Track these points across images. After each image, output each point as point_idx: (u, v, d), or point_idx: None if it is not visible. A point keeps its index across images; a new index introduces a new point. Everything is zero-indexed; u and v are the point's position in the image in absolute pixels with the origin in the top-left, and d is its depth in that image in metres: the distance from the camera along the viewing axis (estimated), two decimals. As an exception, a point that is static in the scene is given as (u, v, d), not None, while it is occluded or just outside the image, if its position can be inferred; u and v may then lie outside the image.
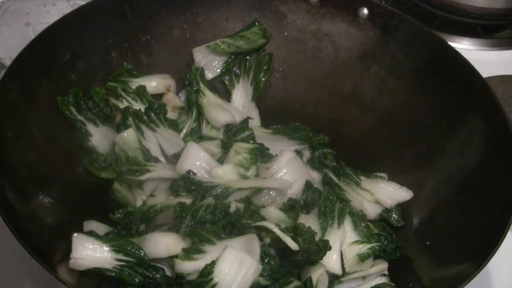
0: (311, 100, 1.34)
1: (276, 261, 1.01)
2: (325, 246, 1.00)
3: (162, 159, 1.18)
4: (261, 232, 1.04)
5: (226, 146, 1.19)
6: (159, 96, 1.29)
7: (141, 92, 1.25)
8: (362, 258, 1.08)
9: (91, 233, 0.99)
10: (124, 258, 0.97)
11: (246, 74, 1.32)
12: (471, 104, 1.15)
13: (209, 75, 1.31)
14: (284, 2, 1.31)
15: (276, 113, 1.34)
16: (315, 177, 1.20)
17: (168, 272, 1.01)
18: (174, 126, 1.21)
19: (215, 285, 0.93)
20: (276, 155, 1.16)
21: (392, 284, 1.08)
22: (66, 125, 1.16)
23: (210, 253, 0.98)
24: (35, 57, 1.11)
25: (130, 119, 1.15)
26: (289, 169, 1.12)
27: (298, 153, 1.23)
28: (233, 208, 1.04)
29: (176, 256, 0.98)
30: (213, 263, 0.94)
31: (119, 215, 1.07)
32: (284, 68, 1.35)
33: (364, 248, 1.10)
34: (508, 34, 1.71)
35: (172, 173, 1.12)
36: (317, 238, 1.03)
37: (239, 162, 1.14)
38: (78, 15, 1.20)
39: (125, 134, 1.14)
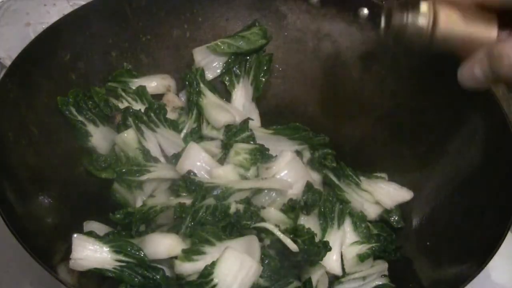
0: (311, 100, 1.34)
1: (276, 262, 1.01)
2: (325, 247, 1.00)
3: (162, 159, 1.18)
4: (261, 233, 1.04)
5: (226, 147, 1.19)
6: (159, 96, 1.29)
7: (141, 93, 1.25)
8: (362, 258, 1.08)
9: (91, 234, 0.99)
10: (124, 258, 0.97)
11: (246, 74, 1.32)
12: (471, 104, 1.14)
13: (209, 76, 1.31)
14: (284, 2, 1.31)
15: (276, 113, 1.34)
16: (315, 177, 1.20)
17: (168, 273, 1.01)
18: (174, 126, 1.21)
19: (215, 286, 0.93)
20: (276, 155, 1.16)
21: (393, 284, 1.08)
22: (66, 125, 1.16)
23: (210, 254, 0.98)
24: (35, 57, 1.11)
25: (130, 119, 1.15)
26: (290, 170, 1.12)
27: (298, 153, 1.23)
28: (233, 209, 1.04)
29: (176, 257, 0.98)
30: (213, 264, 0.94)
31: (119, 216, 1.07)
32: (284, 68, 1.35)
33: (364, 248, 1.10)
34: (508, 34, 1.71)
35: (172, 173, 1.12)
36: (317, 239, 1.03)
37: (239, 163, 1.14)
38: (78, 15, 1.19)
39: (125, 135, 1.15)
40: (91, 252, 0.96)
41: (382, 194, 1.17)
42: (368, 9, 1.26)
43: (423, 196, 1.17)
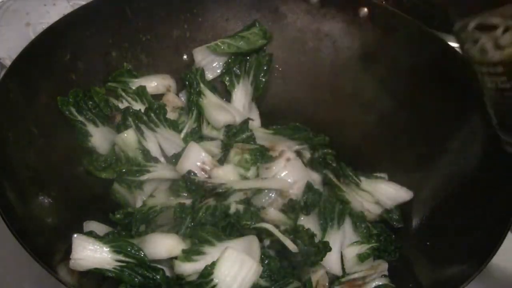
0: (311, 100, 1.34)
1: (276, 262, 1.01)
2: (325, 248, 1.00)
3: (162, 159, 1.18)
4: (261, 233, 1.04)
5: (226, 147, 1.19)
6: (159, 96, 1.29)
7: (141, 93, 1.25)
8: (361, 258, 1.08)
9: (91, 234, 0.99)
10: (124, 259, 0.97)
11: (246, 74, 1.32)
12: (471, 104, 1.14)
13: (209, 76, 1.31)
14: (284, 2, 1.31)
15: (276, 113, 1.34)
16: (315, 178, 1.20)
17: (168, 273, 1.01)
18: (174, 126, 1.21)
19: (215, 286, 0.93)
20: (276, 155, 1.16)
21: (392, 285, 1.08)
22: (66, 126, 1.16)
23: (210, 254, 0.98)
24: (35, 57, 1.11)
25: (130, 119, 1.15)
26: (290, 170, 1.12)
27: (298, 153, 1.23)
28: (233, 209, 1.04)
29: (176, 257, 0.98)
30: (213, 264, 0.94)
31: (119, 216, 1.07)
32: (284, 68, 1.35)
33: (363, 248, 1.10)
34: (508, 34, 1.71)
35: (172, 173, 1.12)
36: (317, 239, 1.03)
37: (240, 163, 1.14)
38: (78, 15, 1.19)
39: (125, 135, 1.15)
40: (91, 252, 0.96)
41: (382, 194, 1.17)
42: (368, 9, 1.27)
43: (423, 196, 1.17)
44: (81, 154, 1.17)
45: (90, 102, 1.19)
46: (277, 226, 1.04)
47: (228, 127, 1.25)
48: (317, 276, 1.03)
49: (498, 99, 0.87)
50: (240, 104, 1.31)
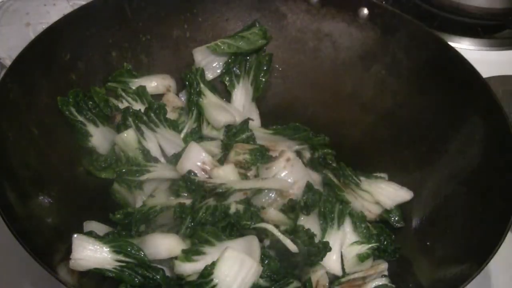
0: (311, 100, 1.34)
1: (276, 262, 1.01)
2: (325, 248, 1.00)
3: (162, 159, 1.18)
4: (261, 233, 1.04)
5: (226, 147, 1.19)
6: (159, 96, 1.29)
7: (141, 93, 1.25)
8: (361, 258, 1.08)
9: (91, 234, 0.99)
10: (124, 259, 0.97)
11: (246, 74, 1.32)
12: (471, 104, 1.15)
13: (209, 76, 1.31)
14: (284, 2, 1.31)
15: (276, 113, 1.34)
16: (315, 178, 1.20)
17: (168, 273, 1.01)
18: (174, 126, 1.21)
19: (214, 286, 0.93)
20: (276, 155, 1.16)
21: (392, 285, 1.08)
22: (66, 126, 1.16)
23: (210, 254, 0.98)
24: (35, 57, 1.12)
25: (130, 119, 1.15)
26: (290, 170, 1.12)
27: (298, 153, 1.23)
28: (233, 209, 1.04)
29: (176, 257, 0.98)
30: (213, 264, 0.94)
31: (119, 216, 1.07)
32: (284, 68, 1.35)
33: (363, 248, 1.10)
34: (508, 34, 1.71)
35: (172, 173, 1.12)
36: (317, 239, 1.03)
37: (240, 163, 1.14)
38: (78, 15, 1.20)
39: (125, 135, 1.15)
40: (91, 252, 0.96)
41: (382, 194, 1.17)
42: (368, 9, 1.27)
43: (423, 196, 1.17)
44: (81, 154, 1.17)
45: (90, 102, 1.19)
46: (277, 226, 1.04)
47: (228, 127, 1.25)
48: (317, 276, 1.03)
49: None
50: (240, 104, 1.31)
